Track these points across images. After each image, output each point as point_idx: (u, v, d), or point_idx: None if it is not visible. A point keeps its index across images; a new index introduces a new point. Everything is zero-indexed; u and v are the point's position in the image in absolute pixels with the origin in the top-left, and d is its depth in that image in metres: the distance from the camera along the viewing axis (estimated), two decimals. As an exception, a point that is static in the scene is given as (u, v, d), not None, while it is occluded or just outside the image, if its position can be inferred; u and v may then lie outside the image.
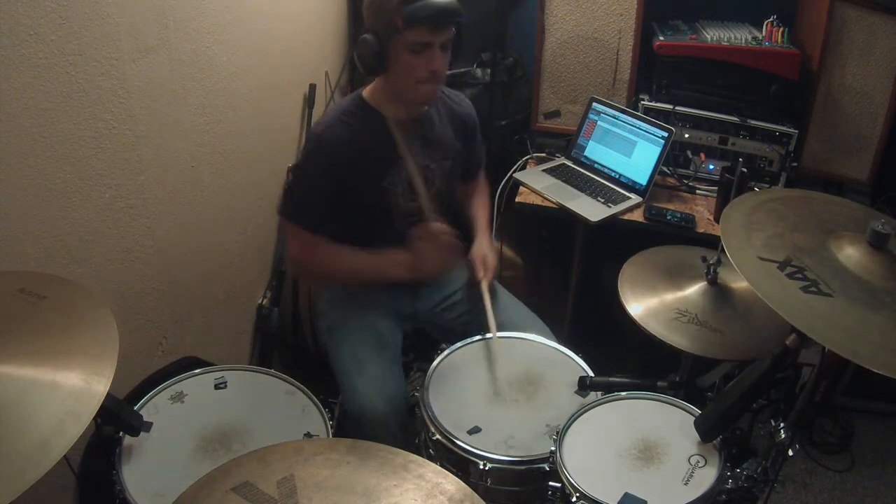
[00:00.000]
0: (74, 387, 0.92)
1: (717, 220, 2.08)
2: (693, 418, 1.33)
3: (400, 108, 1.64)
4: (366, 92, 1.66)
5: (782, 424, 1.29)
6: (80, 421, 0.88)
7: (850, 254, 1.16)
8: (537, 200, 2.18)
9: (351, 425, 1.56)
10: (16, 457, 0.83)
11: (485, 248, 1.82)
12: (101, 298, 1.08)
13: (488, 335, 1.66)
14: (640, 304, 1.52)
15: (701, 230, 2.04)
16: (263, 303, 2.12)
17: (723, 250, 1.50)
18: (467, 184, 1.94)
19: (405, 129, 1.66)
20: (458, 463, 1.37)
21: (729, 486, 1.27)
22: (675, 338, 1.44)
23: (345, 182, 1.62)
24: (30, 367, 0.93)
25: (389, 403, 1.53)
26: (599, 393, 1.47)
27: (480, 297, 1.72)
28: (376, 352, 1.65)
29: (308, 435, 1.34)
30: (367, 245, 1.67)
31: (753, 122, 2.19)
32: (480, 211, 1.94)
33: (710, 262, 1.53)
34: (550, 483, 1.30)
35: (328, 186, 1.61)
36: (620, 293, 1.55)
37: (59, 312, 1.03)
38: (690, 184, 2.25)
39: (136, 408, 1.35)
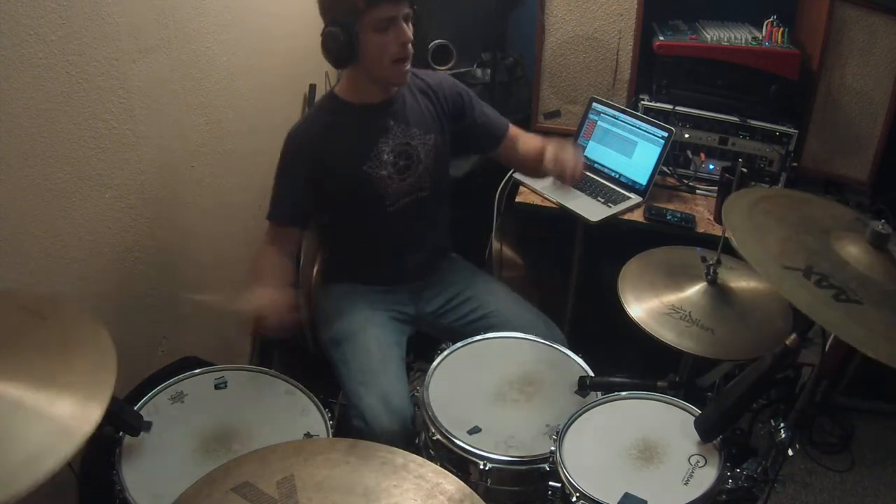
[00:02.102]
0: (63, 416, 0.90)
1: (717, 220, 2.08)
2: (693, 418, 1.34)
3: (371, 93, 1.66)
4: (338, 89, 1.69)
5: (782, 424, 1.29)
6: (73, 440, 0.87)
7: (857, 255, 1.12)
8: (537, 200, 2.18)
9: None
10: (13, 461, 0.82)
11: (553, 149, 1.67)
12: (98, 319, 1.07)
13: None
14: (640, 305, 1.52)
15: (701, 230, 2.04)
16: (263, 303, 2.12)
17: (723, 250, 1.51)
18: (503, 142, 1.88)
19: (378, 110, 1.67)
20: (458, 463, 1.37)
21: (729, 486, 1.27)
22: (673, 337, 1.44)
23: (326, 174, 1.64)
24: (24, 388, 0.91)
25: (397, 422, 1.51)
26: (599, 393, 1.47)
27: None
28: (382, 370, 1.61)
29: (308, 435, 1.34)
30: (365, 229, 1.71)
31: (753, 122, 2.19)
32: (531, 141, 1.86)
33: (710, 262, 1.53)
34: (550, 483, 1.30)
35: (305, 181, 1.64)
36: (620, 293, 1.55)
37: (59, 334, 1.02)
38: (690, 184, 2.25)
39: (136, 408, 1.34)
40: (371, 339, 1.68)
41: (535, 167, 1.74)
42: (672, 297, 1.52)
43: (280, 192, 1.67)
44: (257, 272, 1.59)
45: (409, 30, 1.55)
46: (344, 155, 1.65)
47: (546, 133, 2.46)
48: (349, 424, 1.57)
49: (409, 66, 1.60)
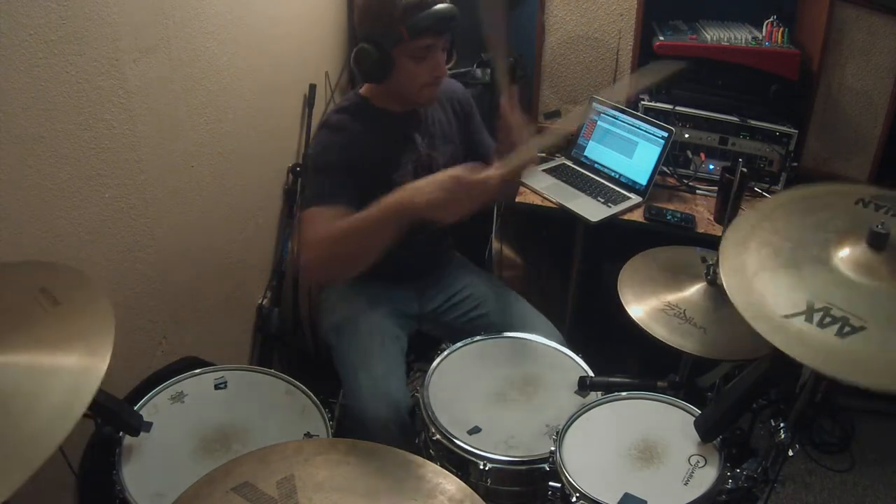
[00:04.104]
0: (75, 366, 0.92)
1: (717, 220, 2.09)
2: (693, 418, 1.34)
3: (398, 104, 1.65)
4: (363, 90, 1.67)
5: (782, 424, 1.29)
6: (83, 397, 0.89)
7: (858, 261, 1.10)
8: (537, 200, 2.18)
9: (351, 425, 1.56)
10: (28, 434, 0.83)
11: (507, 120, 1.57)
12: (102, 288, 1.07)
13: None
14: (637, 301, 1.52)
15: (701, 230, 2.05)
16: (263, 303, 2.12)
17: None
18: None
19: (405, 121, 1.67)
20: (458, 463, 1.37)
21: (729, 486, 1.27)
22: (664, 333, 1.44)
23: (357, 175, 1.59)
24: (32, 353, 0.93)
25: (391, 407, 1.52)
26: (599, 393, 1.47)
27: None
28: (381, 354, 1.64)
29: (308, 435, 1.34)
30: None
31: (753, 122, 2.19)
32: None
33: (710, 262, 1.53)
34: (550, 483, 1.30)
35: (347, 166, 1.55)
36: (619, 290, 1.55)
37: (69, 317, 1.02)
38: (690, 184, 2.25)
39: (136, 408, 1.34)
40: (373, 326, 1.69)
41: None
42: (671, 296, 1.52)
43: (323, 177, 1.54)
44: (365, 216, 1.39)
45: (444, 59, 1.56)
46: (376, 161, 1.61)
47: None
48: (346, 415, 1.57)
49: (437, 89, 1.61)
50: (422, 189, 1.33)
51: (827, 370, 0.99)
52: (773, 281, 1.12)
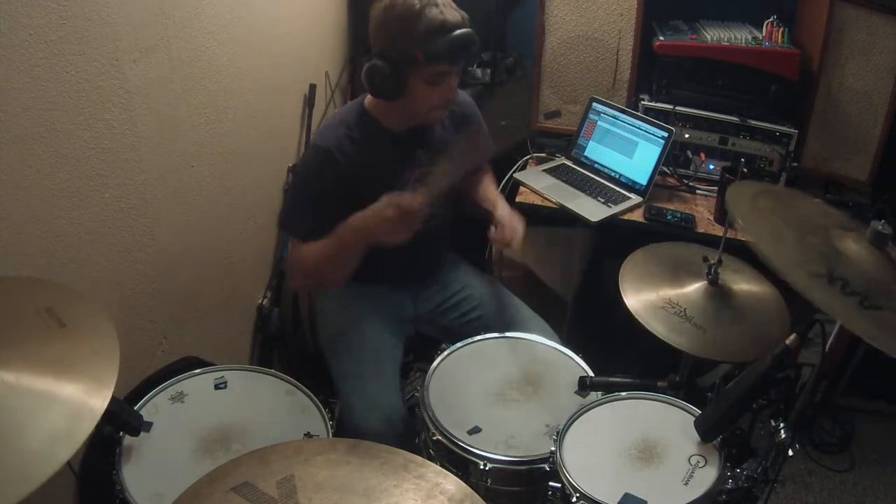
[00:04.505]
0: (74, 399, 0.91)
1: (717, 220, 2.08)
2: (693, 418, 1.34)
3: (404, 121, 1.64)
4: (367, 101, 1.66)
5: (782, 424, 1.29)
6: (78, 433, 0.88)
7: (862, 255, 1.09)
8: (537, 200, 2.18)
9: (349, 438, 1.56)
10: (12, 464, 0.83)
11: (508, 211, 1.74)
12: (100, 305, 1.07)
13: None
14: (638, 296, 1.51)
15: (701, 230, 2.05)
16: (263, 303, 2.12)
17: (724, 250, 1.51)
18: (474, 175, 1.92)
19: (408, 138, 1.66)
20: (459, 463, 1.37)
21: (729, 486, 1.27)
22: (664, 331, 1.43)
23: (351, 193, 1.60)
24: (33, 377, 0.92)
25: (385, 422, 1.52)
26: (599, 393, 1.47)
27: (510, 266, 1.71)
28: (374, 370, 1.62)
29: (308, 435, 1.34)
30: (377, 251, 1.66)
31: (753, 122, 2.19)
32: (490, 187, 1.91)
33: (711, 262, 1.52)
34: (550, 483, 1.30)
35: (332, 197, 1.59)
36: (620, 283, 1.54)
37: (74, 341, 1.01)
38: (690, 184, 2.25)
39: (136, 408, 1.34)
40: (365, 341, 1.68)
41: (473, 205, 1.82)
42: (671, 293, 1.51)
43: (306, 206, 1.60)
44: (329, 244, 1.52)
45: (457, 83, 1.56)
46: (371, 179, 1.60)
47: (546, 133, 2.47)
48: (343, 429, 1.58)
49: (447, 111, 1.62)
50: (368, 218, 1.47)
51: (860, 332, 0.95)
52: (792, 242, 1.09)
